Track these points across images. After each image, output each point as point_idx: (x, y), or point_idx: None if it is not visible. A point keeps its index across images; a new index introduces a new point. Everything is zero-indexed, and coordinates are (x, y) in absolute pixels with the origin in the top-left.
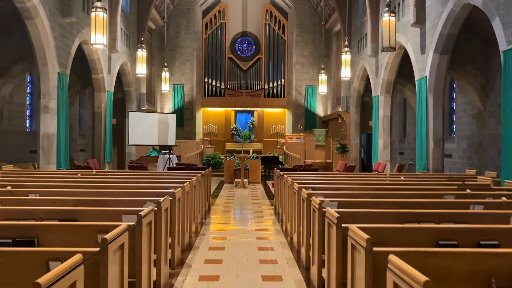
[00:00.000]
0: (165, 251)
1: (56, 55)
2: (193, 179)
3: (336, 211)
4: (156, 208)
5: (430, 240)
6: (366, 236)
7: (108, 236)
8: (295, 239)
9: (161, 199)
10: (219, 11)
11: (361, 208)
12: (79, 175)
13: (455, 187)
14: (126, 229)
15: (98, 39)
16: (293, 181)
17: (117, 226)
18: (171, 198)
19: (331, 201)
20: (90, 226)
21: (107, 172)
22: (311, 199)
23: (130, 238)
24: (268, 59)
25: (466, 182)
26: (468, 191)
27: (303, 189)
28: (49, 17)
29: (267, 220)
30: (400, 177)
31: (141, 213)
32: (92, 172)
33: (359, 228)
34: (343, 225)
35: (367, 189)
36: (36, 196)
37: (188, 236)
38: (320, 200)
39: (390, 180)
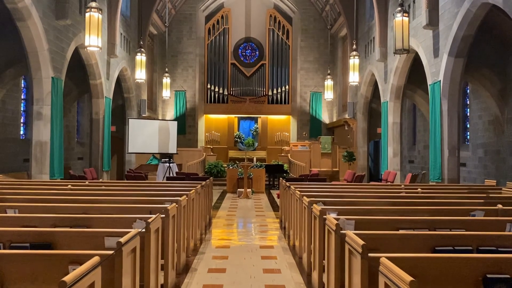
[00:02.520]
0: (155, 278)
1: (50, 59)
2: (191, 192)
3: (355, 234)
4: (144, 230)
5: (476, 273)
6: (409, 278)
7: (68, 278)
8: (304, 259)
9: (152, 217)
10: (222, 17)
11: (381, 228)
12: (69, 186)
13: (481, 200)
14: (99, 264)
15: (92, 41)
16: (302, 194)
17: (92, 256)
18: (163, 215)
19: (347, 219)
20: (60, 256)
21: (101, 182)
22: (324, 217)
23: (107, 271)
24: (272, 65)
25: (491, 195)
26: (500, 206)
27: (314, 205)
28: (42, 19)
29: (272, 236)
30: (416, 189)
31: (122, 239)
32: (85, 182)
33: (389, 258)
34: (370, 254)
35: (383, 203)
36: (14, 212)
37: (185, 256)
38: (335, 219)
39: (406, 192)
